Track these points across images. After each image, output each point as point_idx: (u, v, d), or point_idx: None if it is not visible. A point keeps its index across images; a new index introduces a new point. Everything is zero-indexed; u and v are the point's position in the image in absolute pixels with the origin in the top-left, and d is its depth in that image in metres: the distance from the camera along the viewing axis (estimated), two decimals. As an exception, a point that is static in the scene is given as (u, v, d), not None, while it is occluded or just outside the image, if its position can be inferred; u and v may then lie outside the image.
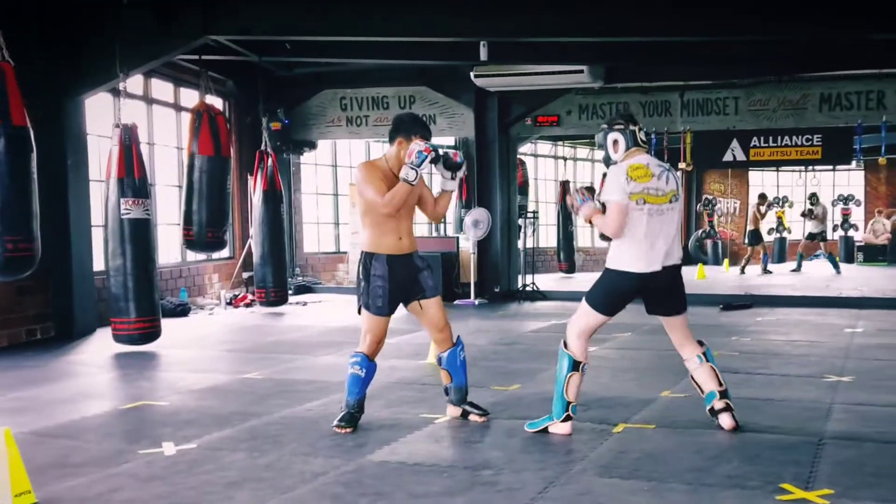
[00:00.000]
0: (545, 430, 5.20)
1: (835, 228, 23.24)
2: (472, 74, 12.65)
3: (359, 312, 5.47)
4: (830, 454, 4.70)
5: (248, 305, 13.13)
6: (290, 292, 13.66)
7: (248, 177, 13.35)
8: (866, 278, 17.17)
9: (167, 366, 8.24)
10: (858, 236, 23.40)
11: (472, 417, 5.55)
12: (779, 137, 13.76)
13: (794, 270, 19.19)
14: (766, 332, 9.72)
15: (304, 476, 4.44)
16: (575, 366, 5.14)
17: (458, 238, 14.61)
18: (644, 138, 5.20)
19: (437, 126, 14.49)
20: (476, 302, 13.40)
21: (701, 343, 5.38)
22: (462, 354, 5.58)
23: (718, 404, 5.24)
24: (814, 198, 20.03)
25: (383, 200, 5.23)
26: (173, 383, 7.18)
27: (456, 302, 13.48)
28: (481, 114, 14.12)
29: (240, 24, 10.19)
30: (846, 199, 23.08)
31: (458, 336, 5.67)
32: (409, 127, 5.42)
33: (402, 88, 14.44)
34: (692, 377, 5.37)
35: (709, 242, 24.53)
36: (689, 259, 24.40)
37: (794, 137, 13.74)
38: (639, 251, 4.99)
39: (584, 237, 21.97)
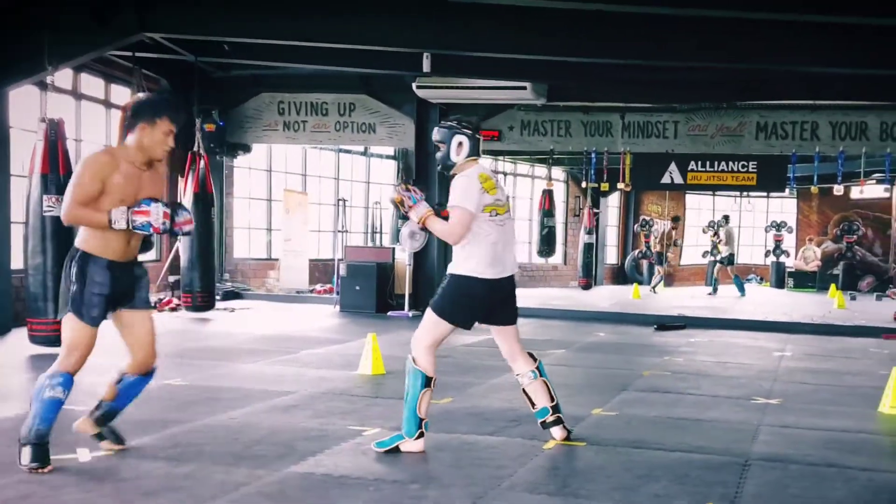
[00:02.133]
0: (397, 449, 5.06)
1: (767, 254, 23.80)
2: (414, 85, 12.67)
3: (58, 318, 4.83)
4: (756, 475, 4.78)
5: (173, 310, 12.91)
6: (217, 298, 13.47)
7: (179, 178, 13.14)
8: (796, 304, 17.58)
9: (85, 369, 7.99)
10: (790, 262, 24.00)
11: (105, 444, 4.97)
12: (716, 162, 14.05)
13: (710, 294, 19.60)
14: (697, 353, 9.87)
15: (224, 486, 4.35)
16: (427, 382, 5.07)
17: (393, 249, 14.57)
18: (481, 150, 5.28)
19: (376, 135, 14.50)
20: (410, 314, 13.36)
21: (533, 357, 5.43)
22: (145, 387, 5.05)
23: (550, 418, 5.34)
24: (725, 219, 20.57)
25: (68, 206, 4.44)
26: (90, 388, 6.97)
27: (390, 313, 13.43)
28: (422, 125, 14.12)
29: (177, 22, 10.05)
30: (779, 226, 23.66)
31: (155, 369, 5.08)
32: (154, 109, 4.62)
33: (342, 95, 14.40)
34: (524, 391, 5.41)
35: (644, 263, 24.90)
36: (624, 279, 24.77)
37: (731, 163, 14.04)
38: (489, 258, 5.06)
39: (521, 253, 22.11)
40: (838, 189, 14.50)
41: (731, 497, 4.35)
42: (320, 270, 17.22)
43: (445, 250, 14.54)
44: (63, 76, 11.24)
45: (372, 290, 13.63)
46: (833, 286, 21.16)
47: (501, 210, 5.14)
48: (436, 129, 5.31)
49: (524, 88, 12.28)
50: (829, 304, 17.36)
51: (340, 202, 16.25)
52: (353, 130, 14.53)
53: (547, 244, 21.39)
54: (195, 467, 4.67)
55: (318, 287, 16.56)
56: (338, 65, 12.07)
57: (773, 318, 13.78)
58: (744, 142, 13.71)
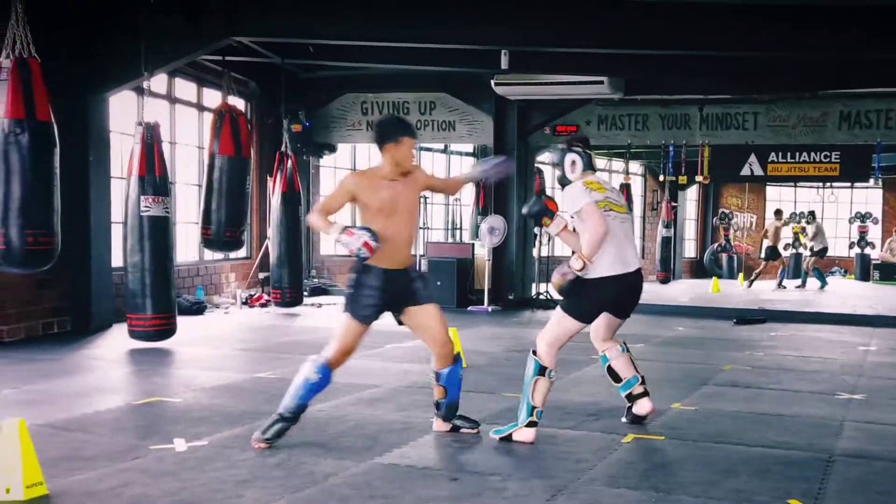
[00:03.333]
0: (509, 438, 5.17)
1: (851, 246, 23.11)
2: (492, 82, 12.65)
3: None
4: (840, 471, 4.67)
5: (263, 305, 13.16)
6: (305, 294, 13.68)
7: (268, 178, 13.40)
8: (881, 296, 17.03)
9: (181, 363, 8.27)
10: (875, 254, 23.25)
11: (464, 431, 5.40)
12: (797, 153, 13.69)
13: (798, 287, 19.11)
14: (778, 348, 9.66)
15: (313, 476, 4.44)
16: (541, 370, 5.21)
17: (473, 245, 14.60)
18: (596, 164, 5.52)
19: (456, 132, 14.53)
20: (489, 309, 13.38)
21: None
22: (461, 371, 5.40)
23: (639, 389, 5.56)
24: (811, 215, 19.98)
25: (312, 211, 5.15)
26: (187, 380, 7.21)
27: (469, 308, 13.47)
28: (501, 122, 14.10)
29: (263, 26, 10.24)
30: (863, 217, 22.94)
31: (459, 353, 5.45)
32: (396, 131, 5.18)
33: (422, 94, 14.46)
34: (609, 368, 5.64)
35: (724, 256, 24.44)
36: (703, 272, 24.35)
37: (813, 154, 13.66)
38: (614, 254, 5.18)
39: (599, 247, 21.88)
40: (924, 178, 13.99)
41: (814, 493, 4.26)
42: (404, 265, 17.30)
43: (524, 245, 14.52)
44: (158, 81, 11.56)
45: (452, 285, 13.68)
46: (920, 278, 20.44)
47: (616, 208, 5.29)
48: (548, 153, 5.73)
49: (601, 83, 12.15)
50: (916, 297, 16.79)
51: (421, 199, 16.30)
52: (434, 128, 14.59)
53: (626, 238, 21.14)
54: (285, 457, 4.78)
55: (401, 282, 16.62)
56: (418, 64, 12.13)
57: (858, 312, 13.39)
58: (826, 132, 13.31)
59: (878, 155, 13.34)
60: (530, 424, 5.17)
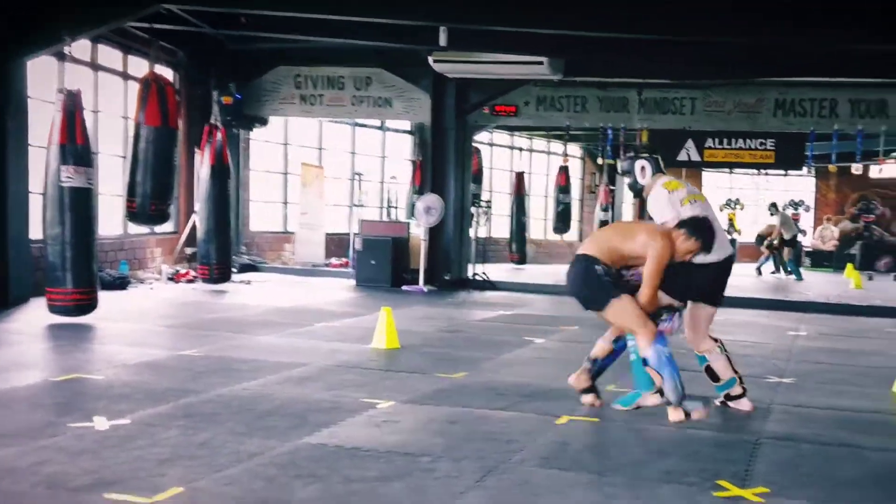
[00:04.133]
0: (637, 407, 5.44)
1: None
2: (430, 59, 12.61)
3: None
4: (767, 453, 4.78)
5: (189, 281, 12.97)
6: (234, 270, 13.53)
7: (196, 150, 13.17)
8: (812, 283, 17.50)
9: (103, 339, 8.11)
10: (807, 242, 23.85)
11: (587, 398, 5.67)
12: (733, 140, 13.94)
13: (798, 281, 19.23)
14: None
15: (238, 456, 4.39)
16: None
17: (409, 224, 14.58)
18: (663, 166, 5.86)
19: (393, 109, 14.48)
20: (425, 289, 13.38)
21: (714, 339, 5.86)
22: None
23: (738, 389, 5.75)
24: (773, 207, 20.19)
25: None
26: (108, 357, 7.07)
27: (404, 288, 13.46)
28: (439, 99, 14.07)
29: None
30: (796, 205, 23.48)
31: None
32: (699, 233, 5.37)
33: (358, 69, 14.36)
34: (708, 368, 5.81)
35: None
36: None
37: (749, 140, 13.92)
38: (716, 241, 5.42)
39: (536, 229, 22.08)
40: (857, 168, 14.33)
41: (742, 475, 4.35)
42: (336, 244, 17.24)
43: (461, 226, 14.54)
44: (81, 47, 11.24)
45: (387, 265, 13.66)
46: (850, 266, 20.97)
47: (699, 197, 5.63)
48: (619, 163, 6.05)
49: (541, 63, 12.18)
50: (845, 284, 17.27)
51: (356, 176, 16.25)
52: (370, 104, 14.50)
53: (562, 221, 21.34)
54: (209, 436, 4.71)
55: (333, 261, 16.59)
56: (354, 38, 12.03)
57: (790, 298, 13.72)
58: (761, 118, 13.59)
59: (812, 143, 13.66)
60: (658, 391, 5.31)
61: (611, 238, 5.49)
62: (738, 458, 4.64)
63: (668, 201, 5.55)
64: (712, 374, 5.81)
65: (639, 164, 5.83)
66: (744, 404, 5.76)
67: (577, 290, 5.45)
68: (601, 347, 5.73)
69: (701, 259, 5.35)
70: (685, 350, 6.15)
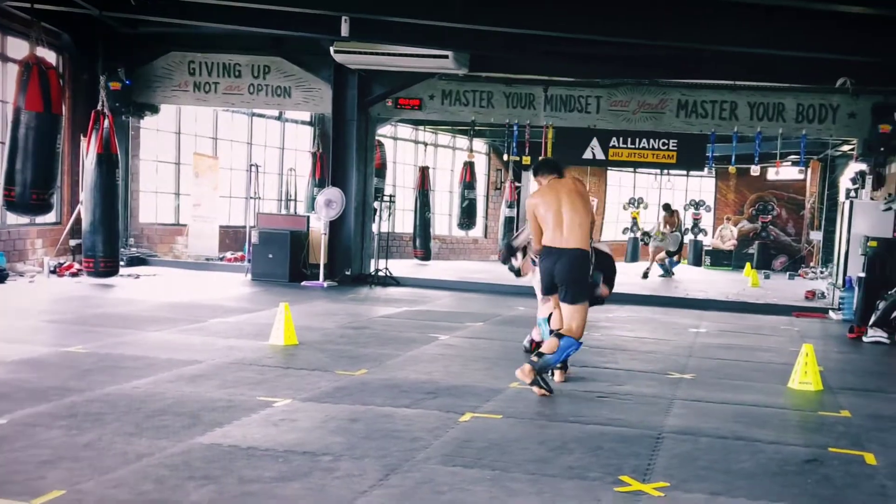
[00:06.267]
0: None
1: (685, 232, 24.31)
2: (332, 49, 12.51)
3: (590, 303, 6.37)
4: (668, 447, 4.91)
5: (74, 275, 12.58)
6: (122, 263, 13.17)
7: (82, 138, 12.77)
8: (712, 281, 18.02)
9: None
10: (707, 241, 24.58)
11: (535, 389, 6.04)
12: (637, 139, 14.25)
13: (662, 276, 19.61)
14: (615, 328, 10.04)
15: (126, 457, 4.27)
16: None
17: (308, 217, 14.44)
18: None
19: (292, 99, 14.32)
20: (325, 284, 13.28)
21: None
22: (574, 347, 6.27)
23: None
24: (666, 208, 20.53)
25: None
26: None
27: (304, 283, 13.32)
28: (340, 91, 13.97)
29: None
30: (697, 205, 24.20)
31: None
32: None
33: (256, 57, 14.15)
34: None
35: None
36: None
37: (652, 140, 14.25)
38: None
39: (441, 225, 22.15)
40: (755, 169, 14.86)
41: (644, 469, 4.45)
42: (231, 237, 16.99)
43: (363, 220, 14.47)
44: (-44, 25, 10.78)
45: (285, 259, 13.51)
46: (748, 265, 21.76)
47: None
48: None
49: (446, 57, 12.22)
50: (743, 283, 17.84)
51: (253, 167, 16.00)
52: (268, 94, 14.31)
53: (467, 217, 21.46)
54: (95, 437, 4.57)
55: (228, 255, 16.33)
56: (251, 25, 11.83)
57: (690, 296, 14.10)
58: (664, 119, 13.94)
59: (713, 145, 14.06)
60: None
61: (584, 220, 6.20)
62: (640, 453, 4.75)
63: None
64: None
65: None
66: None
67: (569, 278, 6.16)
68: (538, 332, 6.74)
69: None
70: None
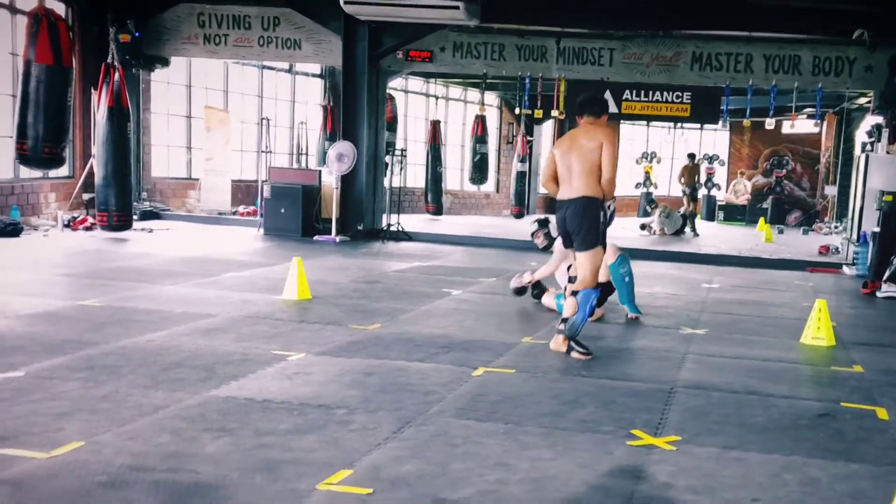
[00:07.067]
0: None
1: (699, 186, 24.22)
2: (341, 0, 12.39)
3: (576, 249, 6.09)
4: (680, 402, 4.93)
5: (87, 229, 12.61)
6: (135, 217, 13.19)
7: (93, 91, 12.74)
8: (725, 237, 17.97)
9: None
10: (720, 196, 24.48)
11: (575, 354, 5.89)
12: (650, 92, 14.13)
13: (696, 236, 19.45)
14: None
15: (142, 409, 4.31)
16: None
17: (320, 171, 14.40)
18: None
19: (302, 52, 14.24)
20: (337, 239, 13.30)
21: None
22: (594, 298, 6.08)
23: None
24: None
25: (612, 176, 6.03)
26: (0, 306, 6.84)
27: (316, 238, 13.35)
28: (350, 43, 13.85)
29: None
30: (711, 159, 24.04)
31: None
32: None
33: (265, 9, 14.05)
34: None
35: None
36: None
37: (665, 94, 14.14)
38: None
39: (452, 180, 22.09)
40: (770, 123, 14.74)
41: (656, 423, 4.47)
42: (243, 192, 16.99)
43: (375, 174, 14.44)
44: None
45: (297, 214, 13.51)
46: (762, 220, 21.68)
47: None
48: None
49: (457, 8, 12.06)
50: (757, 238, 17.78)
51: (264, 121, 15.97)
52: (278, 46, 14.22)
53: (479, 171, 21.39)
54: (111, 389, 4.62)
55: (240, 209, 16.35)
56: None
57: (703, 251, 14.07)
58: (679, 72, 13.80)
59: (727, 98, 13.93)
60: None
61: (587, 167, 6.00)
62: (652, 407, 4.77)
63: None
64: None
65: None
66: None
67: (574, 226, 6.05)
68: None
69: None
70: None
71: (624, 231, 17.31)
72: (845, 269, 12.32)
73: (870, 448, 4.30)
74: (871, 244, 11.10)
